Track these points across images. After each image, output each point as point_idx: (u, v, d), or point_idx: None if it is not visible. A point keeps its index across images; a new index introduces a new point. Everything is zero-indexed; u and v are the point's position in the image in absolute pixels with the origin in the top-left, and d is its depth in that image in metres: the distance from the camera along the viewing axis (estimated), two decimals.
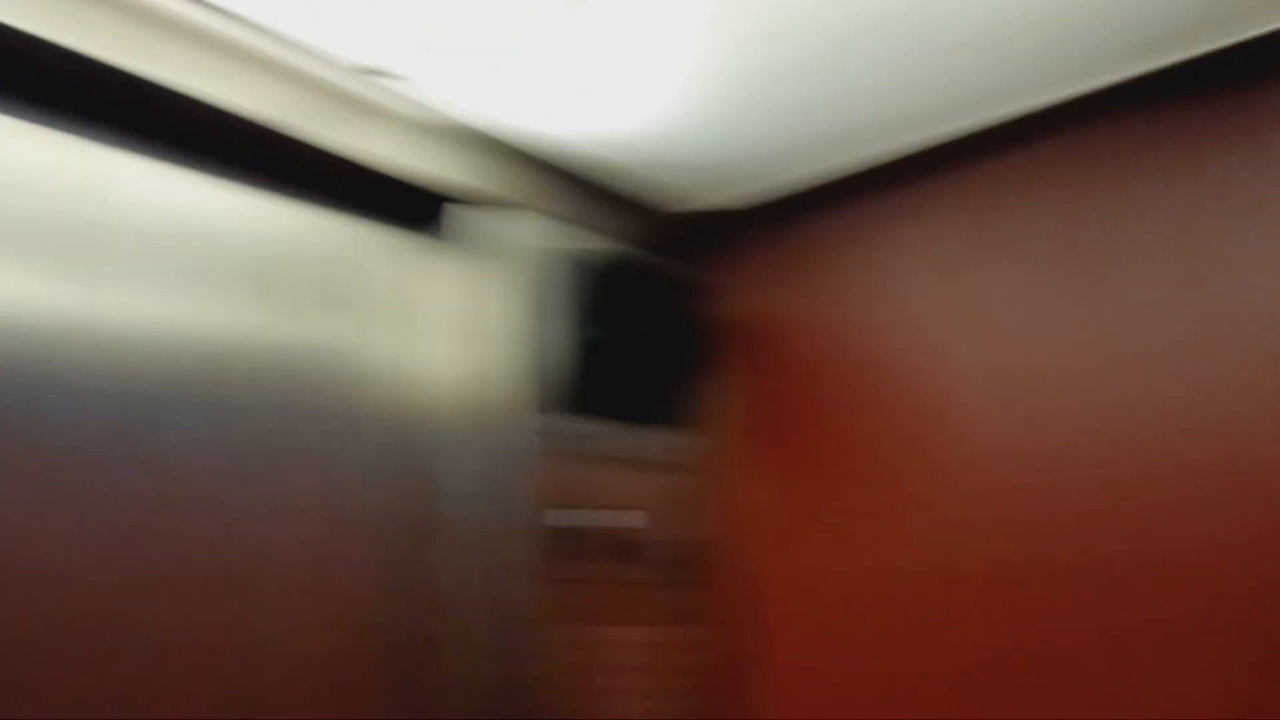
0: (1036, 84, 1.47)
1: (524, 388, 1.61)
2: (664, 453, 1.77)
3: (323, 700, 1.45)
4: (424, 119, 1.61)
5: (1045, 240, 1.56)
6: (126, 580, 1.29)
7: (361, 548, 1.53)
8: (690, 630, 1.73)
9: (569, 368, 1.64)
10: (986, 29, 1.33)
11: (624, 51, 1.41)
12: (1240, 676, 1.32)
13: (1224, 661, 1.33)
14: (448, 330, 1.65)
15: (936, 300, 1.66)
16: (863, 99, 1.51)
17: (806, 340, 1.82)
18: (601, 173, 1.78)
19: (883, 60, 1.41)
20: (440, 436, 1.61)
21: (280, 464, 1.47)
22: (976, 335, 1.61)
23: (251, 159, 1.52)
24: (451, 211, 1.68)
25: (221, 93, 1.40)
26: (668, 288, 1.82)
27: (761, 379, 1.86)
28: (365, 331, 1.60)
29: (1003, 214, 1.61)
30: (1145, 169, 1.48)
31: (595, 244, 1.76)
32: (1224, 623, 1.33)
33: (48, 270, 1.28)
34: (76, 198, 1.34)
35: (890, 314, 1.72)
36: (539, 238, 1.69)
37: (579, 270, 1.68)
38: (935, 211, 1.69)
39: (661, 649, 1.68)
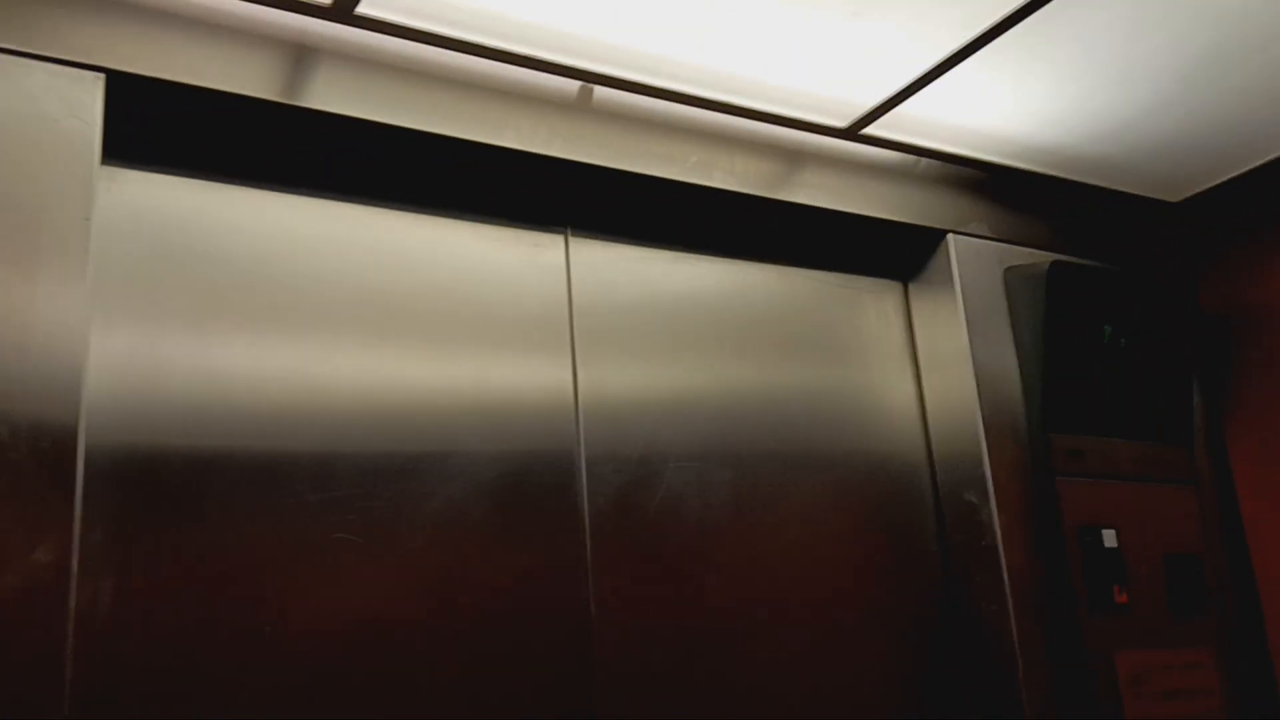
0: None
1: (1025, 410, 1.59)
2: (1166, 465, 1.69)
3: None
4: (891, 162, 1.63)
5: None
6: (675, 629, 1.38)
7: (900, 580, 1.56)
8: (1210, 652, 1.64)
9: (1063, 385, 1.59)
10: None
11: (1087, 52, 1.40)
12: None
13: None
14: (938, 362, 1.66)
15: None
16: None
17: None
18: (1066, 182, 1.74)
19: None
20: (953, 464, 1.62)
21: (804, 503, 1.52)
22: None
23: (724, 231, 1.59)
24: (923, 248, 1.69)
25: (700, 177, 1.46)
26: (1150, 293, 1.73)
27: (1255, 377, 1.71)
28: (864, 373, 1.64)
29: None
30: None
31: (1068, 259, 1.70)
32: None
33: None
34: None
35: None
36: (1010, 260, 1.68)
37: (1057, 287, 1.62)
38: None
39: (1192, 671, 1.61)
